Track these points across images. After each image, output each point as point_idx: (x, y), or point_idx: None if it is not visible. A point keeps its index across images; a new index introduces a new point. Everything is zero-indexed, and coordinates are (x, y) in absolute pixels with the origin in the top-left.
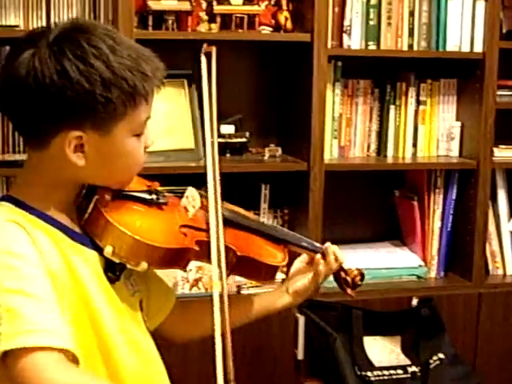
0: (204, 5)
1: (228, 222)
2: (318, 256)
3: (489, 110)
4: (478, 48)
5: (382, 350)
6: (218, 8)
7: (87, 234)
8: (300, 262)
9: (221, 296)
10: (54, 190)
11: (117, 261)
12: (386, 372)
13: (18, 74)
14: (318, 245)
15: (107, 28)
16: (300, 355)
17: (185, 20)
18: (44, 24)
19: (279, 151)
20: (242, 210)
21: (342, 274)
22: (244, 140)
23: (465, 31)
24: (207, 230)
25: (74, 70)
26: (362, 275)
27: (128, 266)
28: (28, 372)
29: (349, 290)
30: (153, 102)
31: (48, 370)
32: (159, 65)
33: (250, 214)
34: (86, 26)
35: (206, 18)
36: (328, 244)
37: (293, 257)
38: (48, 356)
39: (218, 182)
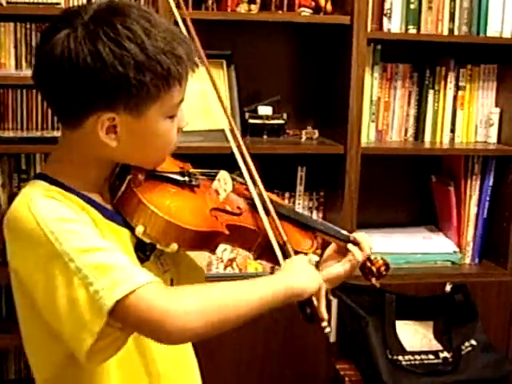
0: None
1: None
2: (351, 245)
3: None
4: None
5: (414, 335)
6: None
7: (119, 212)
8: (330, 251)
9: None
10: (86, 169)
11: (147, 241)
12: (417, 357)
13: (53, 53)
14: (345, 233)
15: (143, 10)
16: (332, 338)
17: (224, 0)
18: (85, 2)
19: (316, 134)
20: (272, 196)
21: (368, 264)
22: (281, 122)
23: (507, 16)
24: (238, 214)
25: (108, 52)
26: (387, 265)
27: (158, 246)
28: (144, 308)
29: (373, 280)
30: (187, 84)
31: (160, 297)
32: (192, 47)
33: (280, 200)
34: (122, 7)
35: None
36: (356, 233)
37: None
38: (152, 288)
39: (253, 169)
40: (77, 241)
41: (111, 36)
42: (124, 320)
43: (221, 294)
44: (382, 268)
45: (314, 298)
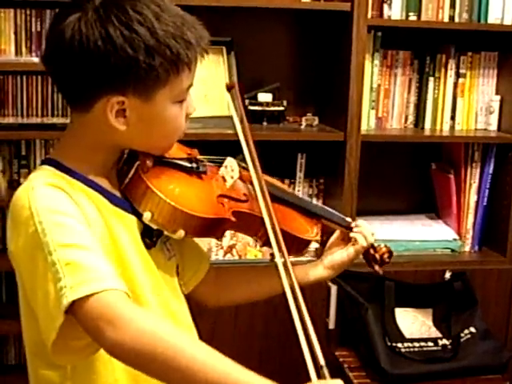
0: None
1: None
2: (355, 232)
3: None
4: None
5: (414, 322)
6: None
7: (127, 198)
8: (334, 239)
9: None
10: (94, 154)
11: (154, 227)
12: (416, 344)
13: (64, 37)
14: (347, 219)
15: None
16: (331, 324)
17: None
18: None
19: (316, 120)
20: (277, 182)
21: (371, 251)
22: (281, 108)
23: (507, 4)
24: (245, 201)
25: (119, 35)
26: (391, 253)
27: (165, 232)
28: (101, 310)
29: (376, 267)
30: (196, 70)
31: (119, 305)
32: (203, 33)
33: (285, 186)
34: None
35: None
36: (358, 220)
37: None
38: (116, 294)
39: (256, 158)
40: (60, 235)
41: (122, 19)
42: (81, 321)
43: (179, 340)
44: (386, 255)
45: None
